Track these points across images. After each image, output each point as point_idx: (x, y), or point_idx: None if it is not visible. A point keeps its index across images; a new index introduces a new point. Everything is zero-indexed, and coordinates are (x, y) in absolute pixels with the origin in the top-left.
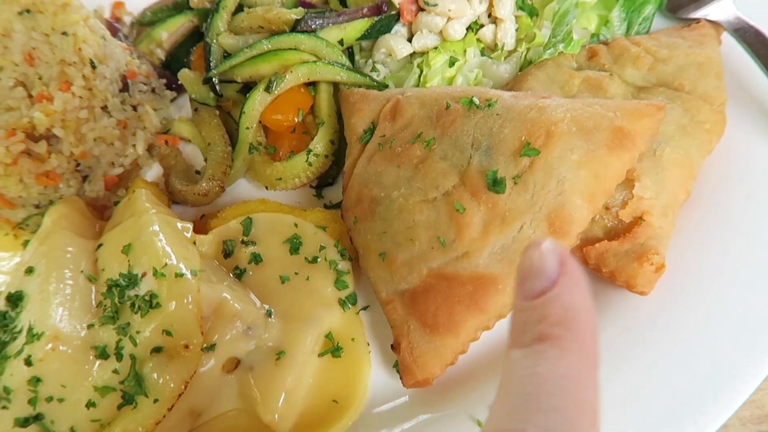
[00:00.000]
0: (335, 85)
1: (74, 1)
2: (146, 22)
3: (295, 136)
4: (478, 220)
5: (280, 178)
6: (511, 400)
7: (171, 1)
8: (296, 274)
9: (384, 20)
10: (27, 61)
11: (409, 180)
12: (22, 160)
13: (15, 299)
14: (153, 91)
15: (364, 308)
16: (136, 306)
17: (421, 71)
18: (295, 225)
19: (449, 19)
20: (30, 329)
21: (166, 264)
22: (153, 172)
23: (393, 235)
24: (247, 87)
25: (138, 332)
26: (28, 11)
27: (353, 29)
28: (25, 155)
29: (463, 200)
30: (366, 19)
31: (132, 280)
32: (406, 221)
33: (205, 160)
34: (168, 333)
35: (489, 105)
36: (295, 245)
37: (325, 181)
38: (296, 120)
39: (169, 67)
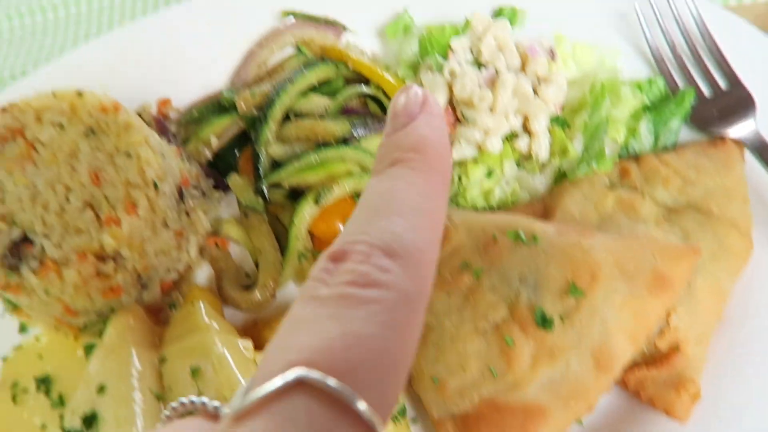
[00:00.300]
0: None
1: (135, 121)
2: (193, 121)
3: None
4: (527, 354)
5: None
6: (358, 216)
7: (214, 99)
8: None
9: None
10: (93, 182)
11: (459, 309)
12: (91, 281)
13: (89, 420)
14: (203, 193)
15: (414, 420)
16: None
17: (459, 180)
18: None
19: (487, 133)
20: None
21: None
22: (203, 272)
23: (445, 363)
24: (295, 191)
25: None
26: (93, 132)
27: None
28: (94, 276)
29: (512, 333)
30: None
31: None
32: (458, 350)
33: (256, 264)
34: None
35: (534, 240)
36: None
37: None
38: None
39: (216, 167)
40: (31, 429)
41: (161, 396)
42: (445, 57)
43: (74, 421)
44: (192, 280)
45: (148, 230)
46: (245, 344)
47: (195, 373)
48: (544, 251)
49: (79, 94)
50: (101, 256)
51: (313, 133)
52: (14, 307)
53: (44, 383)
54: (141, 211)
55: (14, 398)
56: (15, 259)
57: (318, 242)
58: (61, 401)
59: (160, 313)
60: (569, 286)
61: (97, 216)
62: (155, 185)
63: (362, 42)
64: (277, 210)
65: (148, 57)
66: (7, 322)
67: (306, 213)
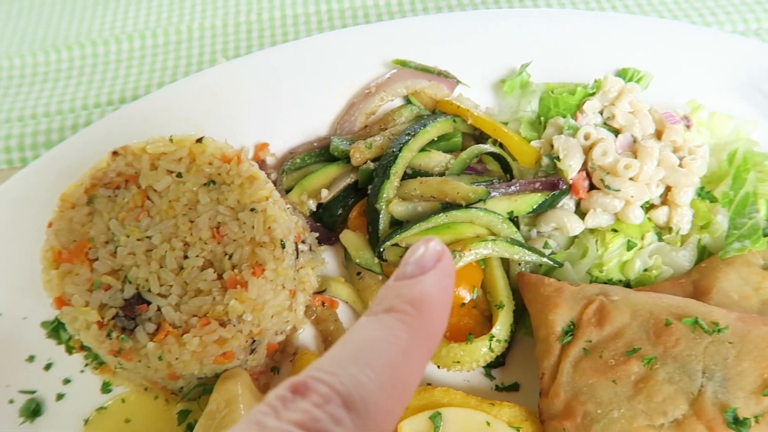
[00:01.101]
0: (503, 259)
1: (260, 175)
2: (295, 168)
3: (464, 310)
4: None
5: (458, 362)
6: (338, 352)
7: (319, 146)
8: None
9: (558, 195)
10: (215, 238)
11: (629, 399)
12: (210, 347)
13: None
14: (309, 248)
15: None
16: None
17: (596, 250)
18: (488, 423)
19: (628, 202)
20: None
21: None
22: (304, 333)
23: None
24: None
25: None
26: (213, 182)
27: (525, 203)
28: (213, 342)
29: None
30: (540, 193)
31: None
32: None
33: None
34: None
35: (718, 330)
36: None
37: (497, 362)
38: (472, 297)
39: (320, 219)
40: None
41: None
42: (566, 117)
43: None
44: (296, 342)
45: (271, 292)
46: None
47: None
48: (731, 343)
49: (199, 140)
50: (222, 322)
51: (441, 193)
52: (98, 364)
53: None
54: (267, 272)
55: None
56: (129, 320)
57: None
58: None
59: (260, 376)
60: (766, 384)
61: (219, 276)
62: (282, 244)
63: (475, 96)
64: (390, 270)
65: (244, 97)
66: (87, 378)
67: None
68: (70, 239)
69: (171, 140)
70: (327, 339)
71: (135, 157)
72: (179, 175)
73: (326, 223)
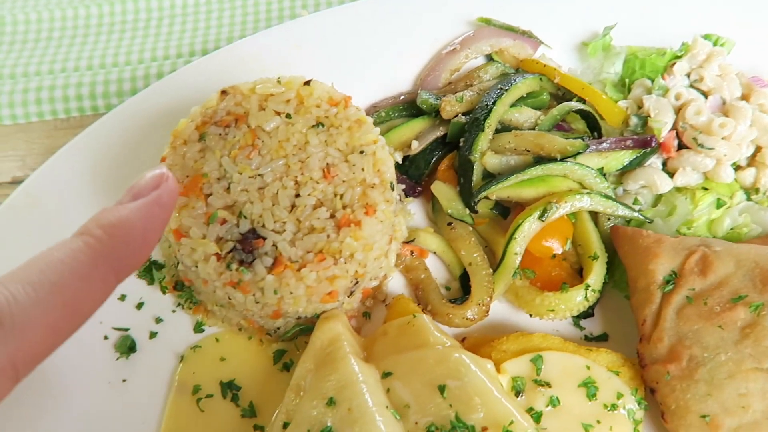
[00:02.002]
0: (592, 214)
1: (368, 119)
2: (379, 122)
3: (555, 262)
4: None
5: (552, 310)
6: (20, 269)
7: (404, 100)
8: (598, 422)
9: (648, 153)
10: (325, 178)
11: (736, 344)
12: (322, 283)
13: None
14: (399, 199)
15: None
16: None
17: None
18: (587, 367)
19: (719, 161)
20: None
21: (512, 422)
22: (393, 281)
23: (721, 400)
24: (499, 205)
25: None
26: (321, 125)
27: (616, 159)
28: (326, 279)
29: None
30: (630, 151)
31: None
32: (737, 388)
33: (461, 277)
34: None
35: None
36: (591, 390)
37: (587, 312)
38: (564, 249)
39: (406, 172)
40: None
41: (396, 415)
42: (653, 79)
43: None
44: (385, 289)
45: (379, 233)
46: (492, 367)
47: (442, 389)
48: None
49: (307, 83)
50: (336, 259)
51: (536, 146)
52: (192, 304)
53: (230, 389)
54: (378, 212)
55: (198, 403)
56: (247, 254)
57: (529, 259)
58: (251, 410)
59: (350, 320)
60: None
61: (332, 215)
62: (391, 186)
63: (556, 58)
64: (480, 224)
65: (327, 51)
66: (178, 318)
67: (528, 228)
68: (183, 174)
69: (279, 81)
70: (417, 287)
71: (244, 97)
72: (288, 116)
73: (412, 176)
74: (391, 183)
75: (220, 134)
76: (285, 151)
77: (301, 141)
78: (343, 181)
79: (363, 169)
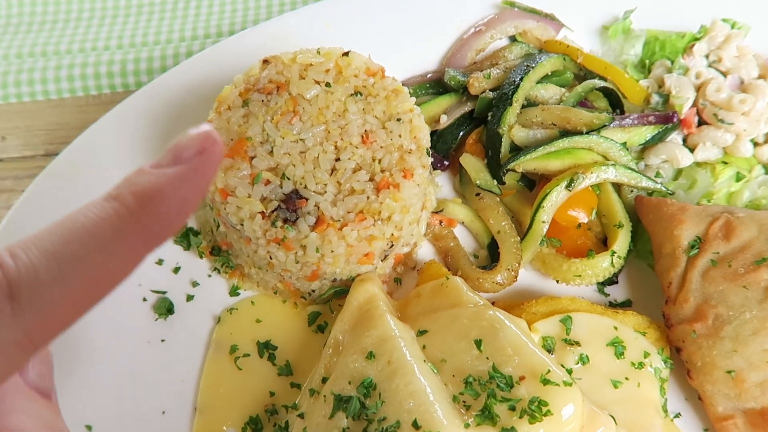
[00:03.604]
0: (615, 186)
1: (404, 89)
2: None
3: (580, 232)
4: None
5: (579, 275)
6: (47, 231)
7: (431, 78)
8: (626, 379)
9: (670, 129)
10: (364, 144)
11: (760, 302)
12: (361, 244)
13: (366, 387)
14: (429, 171)
15: (677, 416)
16: (521, 411)
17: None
18: (615, 328)
19: (739, 136)
20: (416, 425)
21: (549, 370)
22: (422, 250)
23: (746, 356)
24: (525, 178)
25: None
26: (359, 93)
27: (638, 134)
28: (365, 238)
29: None
30: (653, 126)
31: (508, 381)
32: (762, 343)
33: (489, 245)
34: None
35: None
36: (619, 349)
37: (611, 279)
38: (589, 218)
39: (433, 147)
40: (258, 395)
41: (435, 369)
42: (672, 60)
43: (345, 388)
44: (415, 257)
45: (416, 197)
46: (524, 325)
47: (478, 343)
48: None
49: (345, 53)
50: (375, 219)
51: (562, 120)
52: (228, 268)
53: (267, 348)
54: (416, 176)
55: (236, 362)
56: (291, 213)
57: (555, 228)
58: (288, 368)
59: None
60: None
61: (371, 179)
62: (428, 152)
63: (577, 41)
64: (507, 195)
65: (356, 29)
66: (214, 282)
67: (555, 197)
68: (228, 137)
69: (318, 52)
70: (446, 254)
71: (285, 66)
72: (327, 85)
73: (439, 151)
74: (427, 149)
75: (262, 101)
76: (325, 117)
77: (340, 109)
78: (381, 147)
79: (400, 136)
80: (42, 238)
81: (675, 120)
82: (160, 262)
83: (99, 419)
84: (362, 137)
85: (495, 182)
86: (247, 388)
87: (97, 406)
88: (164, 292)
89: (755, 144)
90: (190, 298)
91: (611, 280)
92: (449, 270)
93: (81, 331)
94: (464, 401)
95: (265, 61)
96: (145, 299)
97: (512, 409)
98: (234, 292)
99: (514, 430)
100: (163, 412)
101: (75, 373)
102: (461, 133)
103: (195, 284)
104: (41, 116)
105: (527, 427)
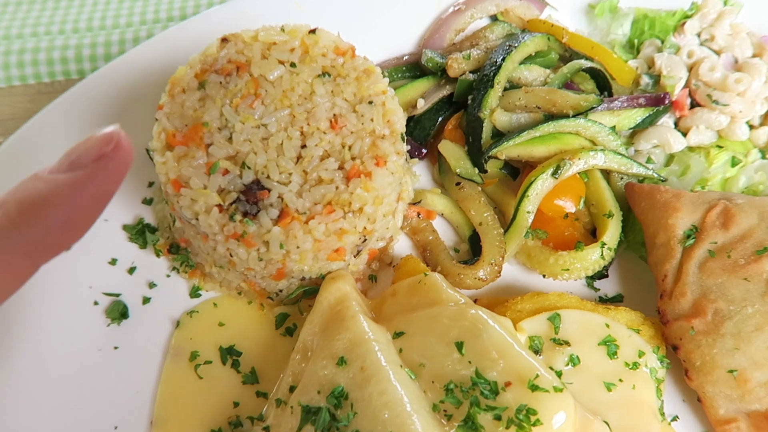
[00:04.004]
0: (604, 173)
1: (376, 69)
2: None
3: (567, 222)
4: None
5: (567, 269)
6: None
7: (408, 61)
8: (620, 381)
9: (661, 112)
10: (333, 128)
11: (763, 295)
12: (329, 238)
13: (337, 396)
14: (406, 159)
15: (674, 419)
16: (507, 420)
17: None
18: (607, 325)
19: (734, 118)
20: None
21: (537, 375)
22: (399, 245)
23: (749, 353)
24: (508, 165)
25: None
26: (328, 74)
27: (628, 118)
28: (335, 232)
29: None
30: (643, 109)
31: (493, 388)
32: (766, 340)
33: (470, 238)
34: None
35: None
36: (611, 349)
37: (601, 273)
38: (577, 208)
39: (410, 134)
40: (221, 406)
41: (412, 374)
42: (662, 40)
43: (314, 398)
44: (391, 252)
45: (390, 187)
46: (508, 324)
47: (459, 346)
48: None
49: (312, 31)
50: (345, 212)
51: (548, 103)
52: (188, 267)
53: (231, 354)
54: (390, 164)
55: (196, 370)
56: (251, 205)
57: (540, 219)
58: (254, 376)
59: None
60: None
61: (340, 167)
62: (402, 137)
63: (562, 20)
64: (489, 185)
65: (328, 10)
66: (173, 282)
67: (541, 185)
68: (182, 123)
69: (283, 30)
70: (425, 249)
71: (245, 45)
72: (293, 65)
73: (417, 138)
74: (402, 134)
75: (220, 83)
76: (290, 100)
77: (306, 91)
78: (352, 132)
79: (372, 120)
80: None
81: (667, 102)
82: (113, 261)
83: None
84: (331, 122)
85: (476, 170)
86: (208, 398)
87: (39, 422)
88: (118, 295)
89: (751, 127)
90: (146, 300)
91: (601, 274)
92: (428, 265)
93: (21, 339)
94: (445, 410)
95: (224, 40)
96: (96, 303)
97: (498, 418)
98: (194, 293)
99: None
100: (116, 428)
101: (12, 386)
102: (440, 119)
103: (152, 285)
104: None
105: None
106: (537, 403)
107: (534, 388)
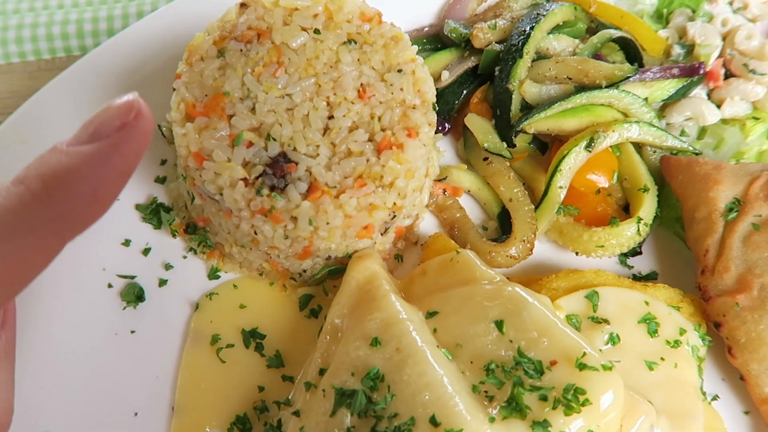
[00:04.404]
0: (636, 147)
1: (405, 35)
2: None
3: (599, 198)
4: None
5: (602, 246)
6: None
7: (426, 32)
8: (662, 359)
9: (694, 83)
10: (361, 98)
11: None
12: (360, 213)
13: (373, 378)
14: None
15: (714, 398)
16: (554, 400)
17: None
18: (646, 303)
19: None
20: (434, 422)
21: (585, 353)
22: (424, 223)
23: None
24: (536, 140)
25: None
26: (353, 42)
27: (661, 89)
28: (365, 207)
29: None
30: (677, 80)
31: (537, 367)
32: None
33: (499, 215)
34: None
35: None
36: (651, 326)
37: (635, 250)
38: (610, 183)
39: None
40: (245, 391)
41: (449, 355)
42: (693, 9)
43: (348, 380)
44: (417, 231)
45: (421, 159)
46: (546, 301)
47: (499, 325)
48: None
49: None
50: (378, 185)
51: (580, 73)
52: (207, 248)
53: (253, 337)
54: (422, 135)
55: (218, 354)
56: (279, 179)
57: (571, 195)
58: (278, 359)
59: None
60: None
61: (370, 139)
62: (434, 106)
63: None
64: (518, 159)
65: None
66: (190, 264)
67: (574, 159)
68: (202, 93)
69: None
70: (452, 227)
71: (266, 11)
72: (317, 31)
73: (440, 112)
74: (434, 104)
75: (241, 50)
76: (314, 69)
77: (331, 59)
78: (381, 102)
79: (402, 89)
80: None
81: (701, 72)
82: (126, 242)
83: (60, 425)
84: (358, 91)
85: (504, 145)
86: (232, 383)
87: (58, 409)
88: (133, 277)
89: None
90: (162, 282)
91: (635, 251)
92: (461, 244)
93: (36, 325)
94: (486, 391)
95: (243, 5)
96: (110, 285)
97: (543, 398)
98: (213, 274)
99: (547, 423)
100: (136, 414)
101: (30, 373)
102: (464, 92)
103: (168, 267)
104: None
105: (562, 419)
106: (585, 382)
107: (582, 366)
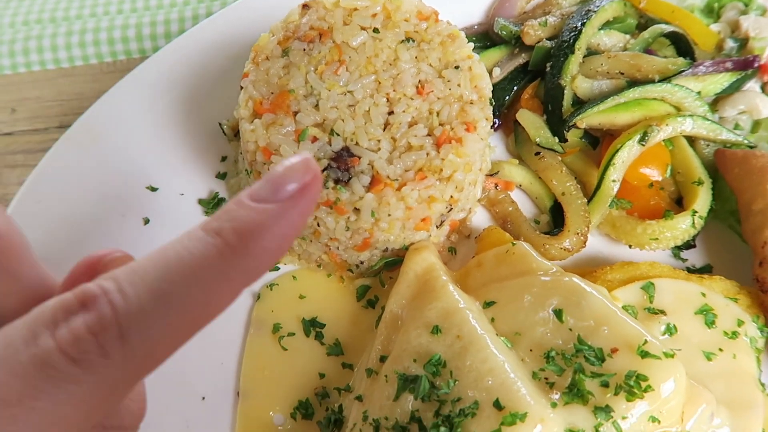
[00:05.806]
0: (688, 140)
1: (461, 33)
2: None
3: (652, 191)
4: None
5: (656, 239)
6: (147, 264)
7: (476, 31)
8: (720, 350)
9: (748, 76)
10: (419, 94)
11: None
12: (420, 206)
13: (435, 364)
14: None
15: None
16: (616, 387)
17: None
18: (703, 294)
19: None
20: (498, 406)
21: (646, 341)
22: (476, 217)
23: None
24: (588, 135)
25: (624, 418)
26: (411, 40)
27: (714, 83)
28: (425, 200)
29: None
30: (730, 73)
31: (598, 355)
32: None
33: (551, 209)
34: (654, 419)
35: None
36: (709, 318)
37: (688, 243)
38: (663, 176)
39: None
40: (307, 377)
41: (509, 343)
42: (746, 3)
43: (410, 366)
44: (470, 225)
45: (479, 153)
46: (603, 292)
47: (558, 314)
48: None
49: None
50: (438, 178)
51: (632, 68)
52: None
53: (314, 326)
54: (480, 130)
55: (280, 342)
56: (343, 172)
57: (623, 189)
58: (338, 347)
59: None
60: None
61: (429, 134)
62: (491, 102)
63: None
64: (569, 154)
65: None
66: None
67: (628, 153)
68: (268, 91)
69: None
70: (505, 221)
71: (327, 11)
72: (376, 30)
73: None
74: (490, 99)
75: (304, 50)
76: (374, 67)
77: (390, 57)
78: (439, 98)
79: (459, 85)
80: (147, 273)
81: (756, 65)
82: None
83: None
84: (417, 88)
85: (556, 140)
86: (293, 370)
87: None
88: None
89: None
90: None
91: (689, 244)
92: (515, 237)
93: None
94: (546, 378)
95: (305, 6)
96: None
97: (605, 385)
98: (273, 266)
99: (609, 409)
100: (203, 398)
101: None
102: (515, 88)
103: None
104: (53, 86)
105: (624, 405)
106: (647, 369)
107: (644, 354)
